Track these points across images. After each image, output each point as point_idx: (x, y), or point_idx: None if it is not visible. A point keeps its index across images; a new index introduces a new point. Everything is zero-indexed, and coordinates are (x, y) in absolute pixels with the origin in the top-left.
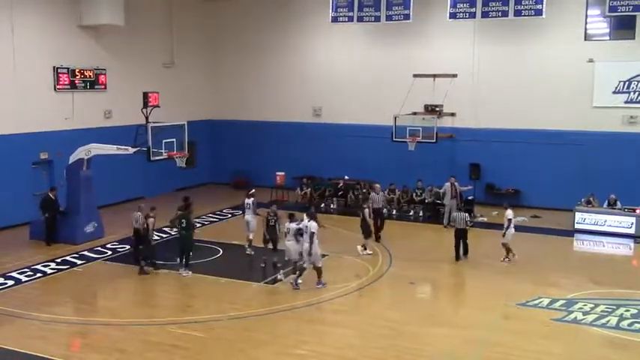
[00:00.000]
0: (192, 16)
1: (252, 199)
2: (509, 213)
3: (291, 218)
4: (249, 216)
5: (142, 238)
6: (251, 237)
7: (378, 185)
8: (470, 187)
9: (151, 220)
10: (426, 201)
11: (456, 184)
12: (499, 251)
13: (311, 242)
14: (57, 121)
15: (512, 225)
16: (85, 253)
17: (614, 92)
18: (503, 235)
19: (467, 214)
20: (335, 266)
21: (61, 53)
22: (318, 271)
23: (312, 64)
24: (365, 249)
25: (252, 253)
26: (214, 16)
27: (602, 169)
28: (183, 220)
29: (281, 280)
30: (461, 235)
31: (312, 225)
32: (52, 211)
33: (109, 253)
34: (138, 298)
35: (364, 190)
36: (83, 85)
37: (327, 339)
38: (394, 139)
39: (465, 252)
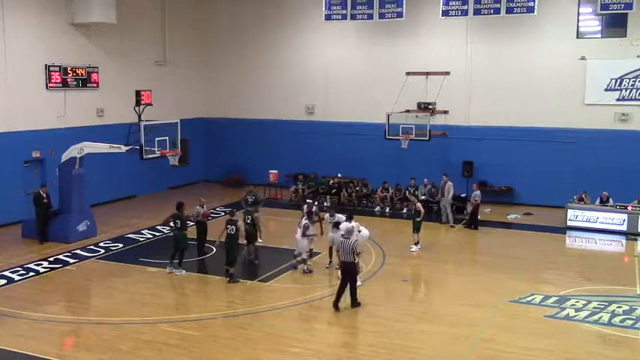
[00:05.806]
0: (184, 14)
1: (314, 208)
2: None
3: (331, 214)
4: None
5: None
6: (312, 247)
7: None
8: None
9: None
10: (420, 198)
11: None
12: (492, 248)
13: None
14: (49, 120)
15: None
16: (78, 251)
17: (605, 90)
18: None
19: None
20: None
21: (53, 51)
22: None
23: (305, 62)
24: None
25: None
26: (207, 14)
27: (594, 166)
28: (177, 221)
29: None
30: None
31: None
32: (42, 209)
33: (102, 251)
34: (131, 296)
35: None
36: (75, 83)
37: (321, 336)
38: (387, 137)
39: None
